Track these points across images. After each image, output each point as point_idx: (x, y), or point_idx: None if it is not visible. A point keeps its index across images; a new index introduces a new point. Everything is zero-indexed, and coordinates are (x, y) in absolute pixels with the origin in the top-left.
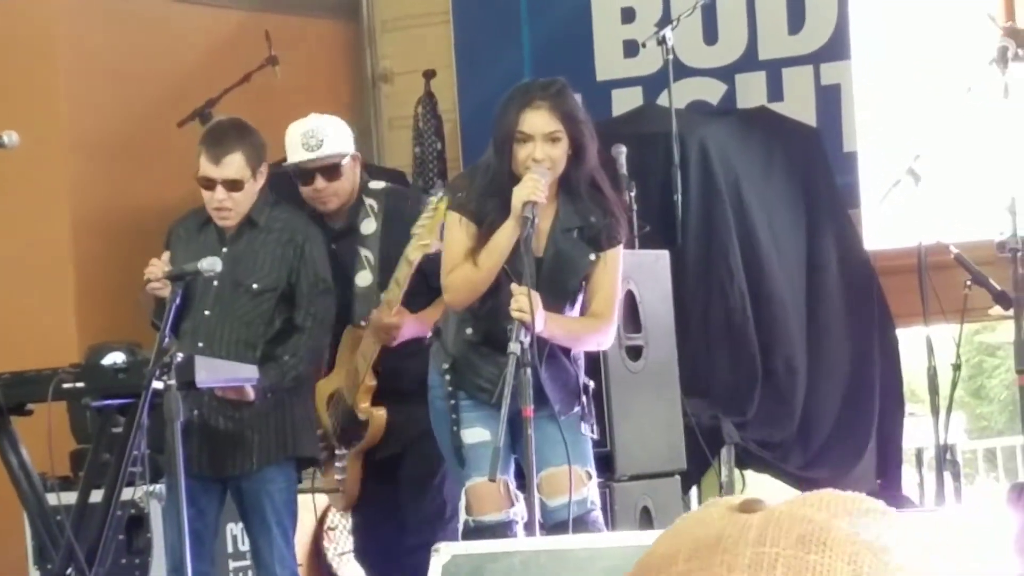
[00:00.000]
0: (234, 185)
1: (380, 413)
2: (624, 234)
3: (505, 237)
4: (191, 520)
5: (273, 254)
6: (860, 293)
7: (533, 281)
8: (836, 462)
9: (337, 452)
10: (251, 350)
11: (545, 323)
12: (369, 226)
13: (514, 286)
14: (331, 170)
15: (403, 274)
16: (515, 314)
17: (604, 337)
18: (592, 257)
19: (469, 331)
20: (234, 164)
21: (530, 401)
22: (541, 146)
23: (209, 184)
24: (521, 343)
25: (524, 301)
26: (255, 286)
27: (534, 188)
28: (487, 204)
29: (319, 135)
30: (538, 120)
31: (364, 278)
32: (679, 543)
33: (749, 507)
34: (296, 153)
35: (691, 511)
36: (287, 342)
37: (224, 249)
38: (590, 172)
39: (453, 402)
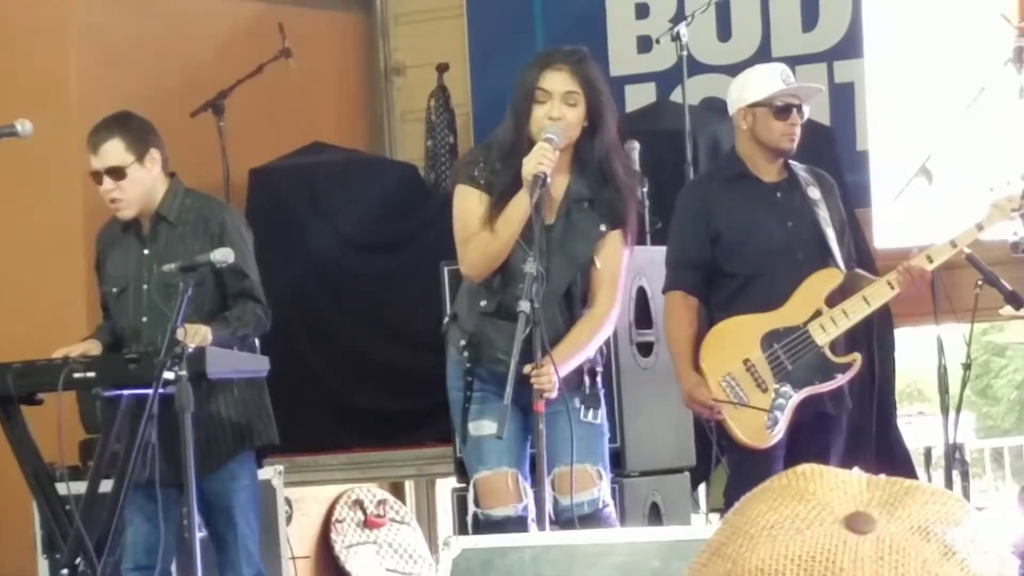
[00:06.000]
0: (117, 173)
1: (858, 360)
2: (631, 217)
3: (521, 204)
4: (152, 517)
5: (192, 247)
6: None
7: (544, 251)
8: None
9: (776, 387)
10: None
11: (561, 370)
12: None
13: (541, 365)
14: (802, 111)
15: (962, 238)
16: (537, 386)
17: (609, 329)
18: (602, 228)
19: (484, 303)
20: (113, 151)
21: (539, 357)
22: (558, 105)
23: (96, 178)
24: (531, 301)
25: (546, 379)
26: (183, 283)
27: (541, 157)
28: (500, 175)
29: (793, 76)
30: (558, 79)
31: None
32: (781, 561)
33: (859, 527)
34: (775, 85)
35: (772, 495)
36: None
37: (145, 251)
38: (605, 147)
39: (469, 393)
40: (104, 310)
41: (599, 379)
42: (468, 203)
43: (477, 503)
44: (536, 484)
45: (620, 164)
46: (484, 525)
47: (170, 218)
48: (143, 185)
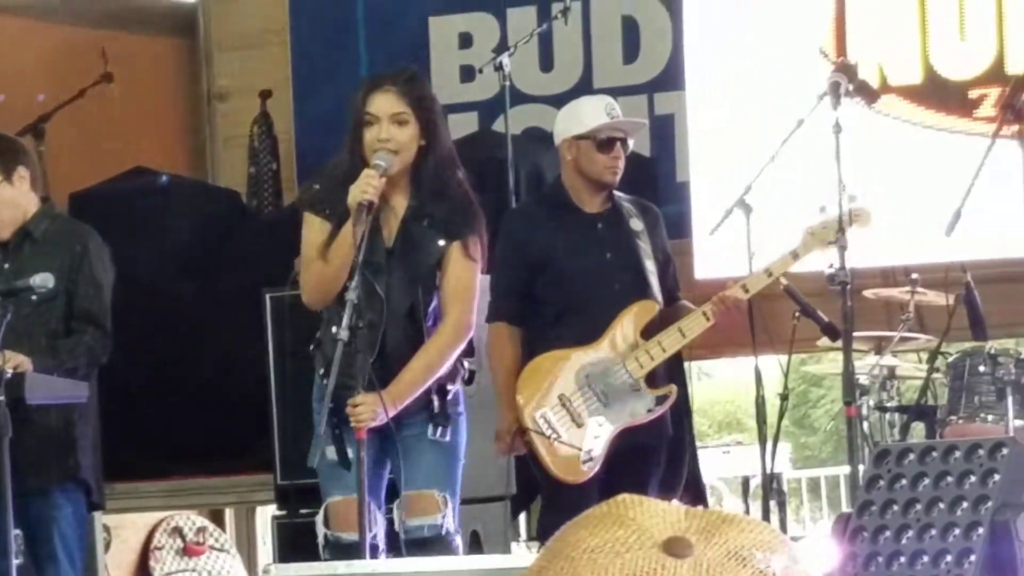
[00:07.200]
0: None
1: (673, 391)
2: (471, 229)
3: (350, 232)
4: None
5: (51, 264)
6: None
7: (385, 273)
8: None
9: (592, 422)
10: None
11: (397, 400)
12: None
13: (358, 397)
14: (626, 144)
15: (777, 267)
16: (357, 424)
17: (461, 342)
18: (441, 243)
19: (334, 330)
20: None
21: (364, 386)
22: (387, 127)
23: None
24: (350, 328)
25: (364, 412)
26: (33, 297)
27: (366, 185)
28: (340, 202)
29: (619, 110)
30: (384, 102)
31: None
32: None
33: (678, 551)
34: (599, 118)
35: (593, 521)
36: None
37: (6, 265)
38: (438, 162)
39: (336, 419)
40: None
41: (451, 397)
42: (309, 231)
43: (327, 524)
44: (371, 511)
45: (456, 177)
46: (334, 547)
47: (36, 235)
48: (11, 204)
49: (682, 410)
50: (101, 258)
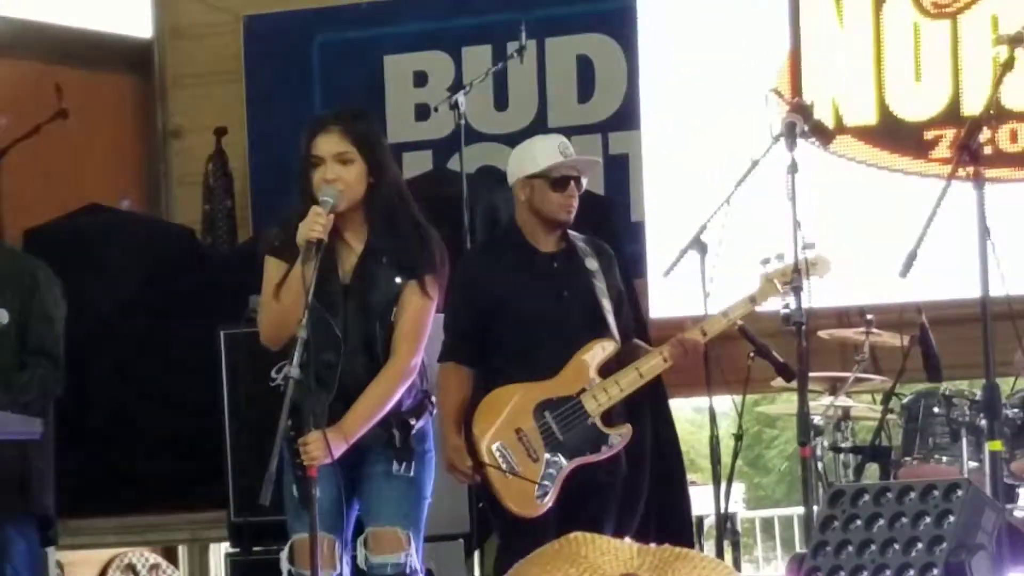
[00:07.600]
0: None
1: (628, 430)
2: (427, 266)
3: (300, 271)
4: None
5: (3, 299)
6: None
7: (341, 311)
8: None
9: (547, 457)
10: None
11: (349, 436)
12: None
13: (309, 435)
14: (580, 183)
15: (735, 311)
16: (308, 462)
17: (405, 381)
18: (398, 280)
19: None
20: None
21: (322, 423)
22: (331, 167)
23: None
24: (301, 367)
25: (314, 450)
26: None
27: (313, 224)
28: (294, 240)
29: (572, 149)
30: (327, 143)
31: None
32: None
33: None
34: (552, 157)
35: (545, 559)
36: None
37: None
38: (388, 199)
39: (299, 460)
40: None
41: (416, 432)
42: (268, 272)
43: (291, 560)
44: (359, 542)
45: (409, 214)
46: None
47: None
48: None
49: (639, 450)
50: (53, 292)
